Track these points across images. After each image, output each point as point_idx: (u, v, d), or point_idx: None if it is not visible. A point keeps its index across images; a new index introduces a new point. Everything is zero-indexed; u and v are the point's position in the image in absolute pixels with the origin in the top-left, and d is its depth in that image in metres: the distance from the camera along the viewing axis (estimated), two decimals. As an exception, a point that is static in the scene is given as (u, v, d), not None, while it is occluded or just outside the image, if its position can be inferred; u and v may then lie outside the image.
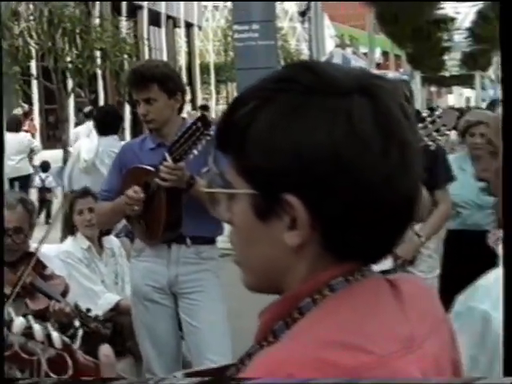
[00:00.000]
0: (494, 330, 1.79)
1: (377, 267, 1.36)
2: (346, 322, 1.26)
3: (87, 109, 14.47)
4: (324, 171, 1.24)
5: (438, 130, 4.39)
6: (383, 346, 1.25)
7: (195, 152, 4.08)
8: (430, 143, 4.24)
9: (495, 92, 41.83)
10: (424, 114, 5.33)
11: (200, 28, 44.53)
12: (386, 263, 4.84)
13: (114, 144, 8.13)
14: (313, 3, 17.47)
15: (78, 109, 22.07)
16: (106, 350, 1.46)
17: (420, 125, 4.32)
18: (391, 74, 14.30)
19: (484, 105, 22.61)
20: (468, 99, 45.09)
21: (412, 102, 5.55)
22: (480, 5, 29.20)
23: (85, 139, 9.16)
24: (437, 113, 4.46)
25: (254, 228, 1.29)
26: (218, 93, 48.06)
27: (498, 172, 2.10)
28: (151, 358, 4.60)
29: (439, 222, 4.86)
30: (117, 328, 5.05)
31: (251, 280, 1.37)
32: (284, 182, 1.24)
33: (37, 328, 1.58)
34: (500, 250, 2.02)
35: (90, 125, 10.12)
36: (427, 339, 1.35)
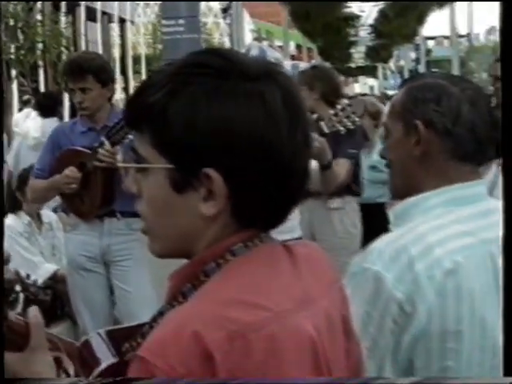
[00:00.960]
0: (385, 288, 1.80)
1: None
2: (244, 282, 1.27)
3: (26, 97, 14.41)
4: (241, 147, 1.25)
5: (348, 117, 4.41)
6: (279, 303, 1.27)
7: (130, 137, 4.08)
8: (341, 128, 4.26)
9: (395, 81, 42.20)
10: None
11: (133, 23, 44.01)
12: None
13: (54, 125, 8.16)
14: (234, 2, 17.42)
15: (20, 96, 21.81)
16: (33, 311, 1.45)
17: (331, 111, 4.34)
18: (303, 64, 14.34)
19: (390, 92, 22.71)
20: (371, 88, 45.46)
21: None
22: (381, 5, 29.44)
23: (31, 120, 9.20)
24: (346, 101, 4.49)
25: (169, 200, 1.28)
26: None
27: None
28: (86, 322, 4.60)
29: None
30: (56, 295, 5.05)
31: (161, 247, 1.36)
32: (204, 156, 1.24)
33: None
34: (391, 215, 2.04)
35: (28, 110, 10.16)
36: (320, 298, 1.38)
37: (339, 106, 4.09)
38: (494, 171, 4.37)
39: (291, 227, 4.71)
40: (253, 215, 1.31)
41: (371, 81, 41.25)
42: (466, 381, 1.60)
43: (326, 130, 4.04)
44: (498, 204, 2.08)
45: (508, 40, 1.54)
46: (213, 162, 1.25)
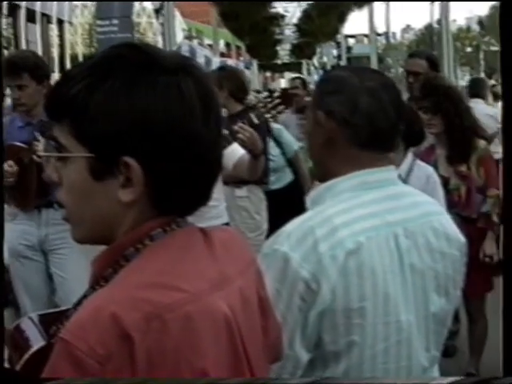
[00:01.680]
0: (292, 268, 1.83)
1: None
2: (161, 266, 1.27)
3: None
4: (159, 136, 1.25)
5: (274, 108, 4.44)
6: (195, 284, 1.28)
7: None
8: (271, 119, 4.30)
9: (318, 76, 42.35)
10: (263, 95, 5.41)
11: (71, 23, 43.56)
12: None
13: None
14: (166, 2, 17.32)
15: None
16: None
17: (260, 104, 4.39)
18: (230, 61, 14.33)
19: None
20: (297, 83, 45.69)
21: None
22: (304, 5, 29.57)
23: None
24: (275, 94, 4.56)
25: (88, 187, 1.28)
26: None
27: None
28: (27, 308, 4.56)
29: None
30: (0, 283, 5.00)
31: (82, 233, 1.36)
32: (123, 145, 1.24)
33: None
34: (308, 200, 2.07)
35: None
36: (236, 278, 1.39)
37: (268, 99, 4.12)
38: (409, 160, 4.42)
39: (219, 213, 4.71)
40: (171, 201, 1.31)
41: (296, 76, 41.46)
42: (465, 380, 1.62)
43: (257, 122, 4.07)
44: (406, 189, 2.13)
45: (508, 40, 1.52)
46: (131, 150, 1.25)
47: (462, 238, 2.16)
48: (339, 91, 1.98)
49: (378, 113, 1.97)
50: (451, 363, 5.52)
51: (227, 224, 4.72)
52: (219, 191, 4.73)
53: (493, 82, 32.30)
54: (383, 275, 1.90)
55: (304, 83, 8.72)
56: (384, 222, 1.94)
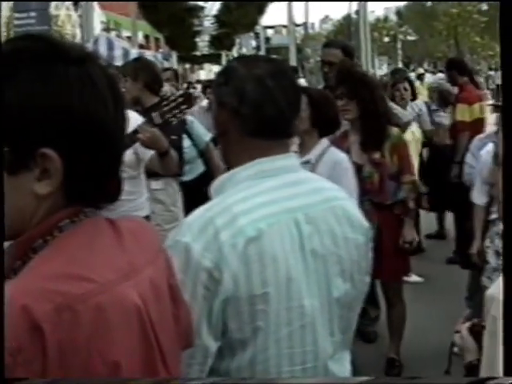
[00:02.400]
0: (194, 258, 1.84)
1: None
2: (70, 256, 1.26)
3: None
4: (77, 127, 1.24)
5: (177, 107, 4.41)
6: (104, 274, 1.27)
7: None
8: (173, 119, 4.28)
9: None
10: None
11: (-15, 16, 42.81)
12: None
13: None
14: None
15: None
16: None
17: (164, 103, 4.35)
18: (149, 52, 14.23)
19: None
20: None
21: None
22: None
23: None
24: (177, 93, 4.53)
25: (4, 182, 1.25)
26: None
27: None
28: None
29: None
30: None
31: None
32: (40, 137, 1.22)
33: None
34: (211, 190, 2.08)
35: None
36: (145, 267, 1.39)
37: (172, 97, 4.07)
38: (321, 146, 4.45)
39: (136, 206, 4.68)
40: (83, 192, 1.31)
41: (216, 67, 41.43)
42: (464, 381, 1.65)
43: (159, 121, 4.03)
44: (307, 175, 2.16)
45: (508, 39, 1.53)
46: (50, 141, 1.23)
47: (366, 224, 2.18)
48: (227, 81, 2.01)
49: (266, 101, 1.98)
50: (372, 349, 5.61)
51: (147, 217, 4.69)
52: (138, 184, 4.68)
53: (421, 70, 32.75)
54: (285, 261, 1.91)
55: (176, 75, 8.68)
56: (284, 209, 1.96)
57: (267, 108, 1.98)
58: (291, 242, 1.94)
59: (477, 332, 2.10)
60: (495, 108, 6.54)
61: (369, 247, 2.20)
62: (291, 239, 1.94)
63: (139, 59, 6.70)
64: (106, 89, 1.29)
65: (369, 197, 4.97)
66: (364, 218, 2.19)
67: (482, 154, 5.12)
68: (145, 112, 5.72)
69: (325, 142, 4.51)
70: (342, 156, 4.50)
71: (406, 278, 7.45)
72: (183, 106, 3.97)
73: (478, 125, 8.01)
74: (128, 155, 4.40)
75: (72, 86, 1.25)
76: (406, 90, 8.17)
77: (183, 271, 1.83)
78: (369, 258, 2.21)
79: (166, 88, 6.29)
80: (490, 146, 5.03)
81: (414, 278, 7.39)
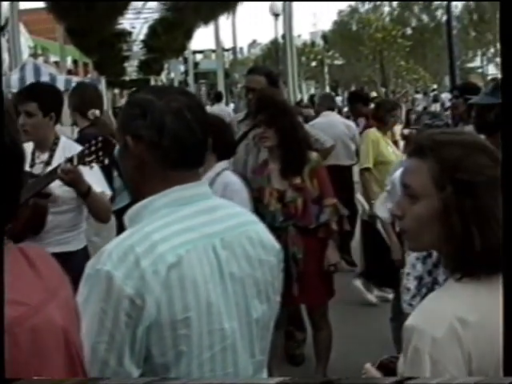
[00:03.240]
0: (116, 286, 1.86)
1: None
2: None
3: None
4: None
5: (96, 152, 4.38)
6: (32, 298, 1.33)
7: None
8: (92, 165, 4.23)
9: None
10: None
11: None
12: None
13: None
14: (10, 20, 16.95)
15: None
16: None
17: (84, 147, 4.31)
18: (76, 78, 14.12)
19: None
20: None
21: None
22: (151, 21, 29.47)
23: None
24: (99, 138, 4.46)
25: None
26: None
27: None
28: None
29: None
30: None
31: None
32: None
33: None
34: (126, 219, 2.11)
35: None
36: (59, 290, 1.46)
37: (93, 141, 4.04)
38: (216, 169, 4.50)
39: (77, 237, 4.61)
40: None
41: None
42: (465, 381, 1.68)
43: (75, 163, 4.02)
44: (219, 202, 2.22)
45: (508, 41, 1.55)
46: None
47: (277, 245, 2.26)
48: (144, 114, 2.03)
49: (185, 132, 2.03)
50: (299, 372, 5.66)
51: (84, 248, 4.63)
52: (75, 218, 4.61)
53: (374, 93, 33.03)
54: (205, 285, 1.96)
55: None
56: (201, 235, 2.01)
57: (186, 140, 2.03)
58: (210, 267, 1.99)
59: (385, 366, 2.10)
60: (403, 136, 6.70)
61: (280, 268, 2.27)
62: (210, 264, 2.00)
63: (76, 85, 6.77)
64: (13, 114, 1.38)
65: (293, 221, 5.04)
66: (275, 240, 2.27)
67: (395, 177, 5.09)
68: (80, 133, 5.79)
69: (220, 165, 4.57)
70: (233, 179, 4.58)
71: (369, 297, 7.61)
72: (101, 153, 3.95)
73: None
74: (63, 189, 4.35)
75: None
76: None
77: (104, 300, 1.86)
78: (280, 278, 2.27)
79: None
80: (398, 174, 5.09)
81: (370, 296, 7.53)
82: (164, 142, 2.01)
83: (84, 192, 4.22)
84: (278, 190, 5.00)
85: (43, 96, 4.51)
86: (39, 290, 1.37)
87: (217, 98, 19.70)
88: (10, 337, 1.23)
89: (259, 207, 4.95)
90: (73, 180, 4.08)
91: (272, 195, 5.02)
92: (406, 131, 6.64)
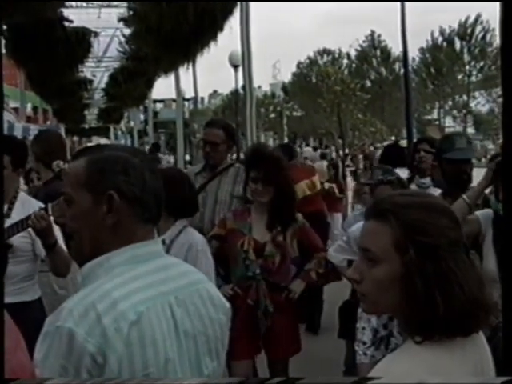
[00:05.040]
0: (78, 343, 1.86)
1: None
2: None
3: None
4: None
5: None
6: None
7: None
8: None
9: (125, 141, 42.49)
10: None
11: None
12: None
13: None
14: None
15: None
16: None
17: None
18: (34, 126, 14.05)
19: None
20: (105, 146, 45.45)
21: None
22: (111, 70, 29.59)
23: None
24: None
25: None
26: None
27: None
28: None
29: None
30: None
31: None
32: None
33: None
34: (79, 276, 2.09)
35: None
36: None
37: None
38: (176, 227, 4.42)
39: (30, 288, 4.55)
40: None
41: (104, 140, 41.31)
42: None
43: (50, 212, 3.99)
44: (172, 260, 2.23)
45: (508, 41, 1.53)
46: None
47: (226, 304, 2.30)
48: (126, 170, 2.04)
49: (157, 188, 2.10)
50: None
51: (39, 299, 4.58)
52: (31, 268, 4.53)
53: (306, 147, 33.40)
54: (163, 342, 1.99)
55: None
56: (159, 293, 2.03)
57: (160, 196, 2.09)
58: (167, 324, 2.02)
59: None
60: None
61: (228, 326, 2.30)
62: (167, 321, 2.02)
63: (39, 133, 6.70)
64: None
65: (264, 276, 5.02)
66: (224, 299, 2.30)
67: (352, 231, 5.11)
68: (44, 186, 5.65)
69: (181, 223, 4.48)
70: (197, 237, 4.47)
71: None
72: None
73: (309, 201, 8.31)
74: (21, 240, 4.32)
75: None
76: None
77: (65, 357, 1.85)
78: (228, 336, 2.30)
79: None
80: (360, 224, 5.09)
81: None
82: (144, 197, 2.05)
83: (51, 244, 4.19)
84: (256, 242, 4.98)
85: (17, 151, 4.50)
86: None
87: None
88: None
89: (229, 250, 4.95)
90: (44, 229, 4.05)
91: (250, 245, 4.99)
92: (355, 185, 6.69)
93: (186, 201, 4.45)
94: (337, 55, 66.02)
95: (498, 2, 1.64)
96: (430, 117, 63.94)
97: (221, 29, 14.99)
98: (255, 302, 5.00)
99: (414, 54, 58.62)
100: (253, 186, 5.00)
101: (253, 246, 5.00)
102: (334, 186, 12.66)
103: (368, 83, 61.50)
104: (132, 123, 46.26)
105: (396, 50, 57.55)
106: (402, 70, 20.27)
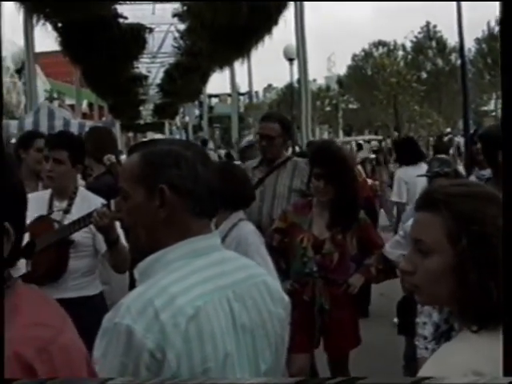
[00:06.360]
0: (136, 339, 1.86)
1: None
2: (29, 310, 1.52)
3: None
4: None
5: None
6: (56, 322, 1.55)
7: None
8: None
9: (180, 136, 42.70)
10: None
11: None
12: None
13: None
14: (26, 62, 17.03)
15: None
16: None
17: None
18: (89, 123, 14.20)
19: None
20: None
21: None
22: (167, 65, 29.75)
23: None
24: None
25: None
26: None
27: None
28: None
29: None
30: None
31: None
32: None
33: None
34: (136, 272, 2.10)
35: None
36: (66, 318, 1.65)
37: None
38: (231, 221, 4.41)
39: (93, 282, 4.60)
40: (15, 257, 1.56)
41: (158, 136, 41.65)
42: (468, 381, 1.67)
43: (113, 209, 4.02)
44: (230, 254, 2.21)
45: (508, 41, 1.54)
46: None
47: (286, 298, 2.28)
48: (178, 163, 2.04)
49: (212, 182, 2.08)
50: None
51: (101, 293, 4.63)
52: (94, 263, 4.60)
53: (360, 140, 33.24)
54: (221, 337, 1.98)
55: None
56: (216, 287, 2.03)
57: (214, 189, 2.08)
58: (225, 319, 2.01)
59: None
60: None
61: (288, 320, 2.28)
62: (225, 316, 2.01)
63: (90, 129, 6.75)
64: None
65: (323, 273, 5.01)
66: (283, 293, 2.29)
67: (408, 226, 5.13)
68: (96, 180, 5.71)
69: (237, 215, 4.48)
70: (247, 232, 4.43)
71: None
72: None
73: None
74: (82, 235, 4.38)
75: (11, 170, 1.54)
76: None
77: (124, 354, 1.86)
78: (288, 329, 2.29)
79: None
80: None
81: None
82: (197, 190, 2.04)
83: (113, 240, 4.21)
84: (315, 238, 4.97)
85: (74, 147, 4.55)
86: (56, 315, 1.58)
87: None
88: (45, 354, 1.45)
89: (289, 245, 4.95)
90: (106, 226, 4.07)
91: (309, 241, 4.98)
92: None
93: (239, 192, 4.44)
94: (392, 47, 65.40)
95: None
96: (486, 108, 63.01)
97: (275, 22, 14.96)
98: (311, 299, 4.99)
99: (470, 44, 57.75)
100: (315, 183, 4.98)
101: (312, 242, 4.99)
102: (376, 183, 12.55)
103: (424, 74, 60.80)
104: (187, 118, 46.47)
105: (452, 40, 56.74)
106: (459, 61, 20.02)
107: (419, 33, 64.01)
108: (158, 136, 40.89)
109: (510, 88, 1.57)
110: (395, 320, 7.68)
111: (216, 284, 2.04)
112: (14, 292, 1.53)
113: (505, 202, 1.64)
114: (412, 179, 8.11)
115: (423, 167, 6.81)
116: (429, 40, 63.57)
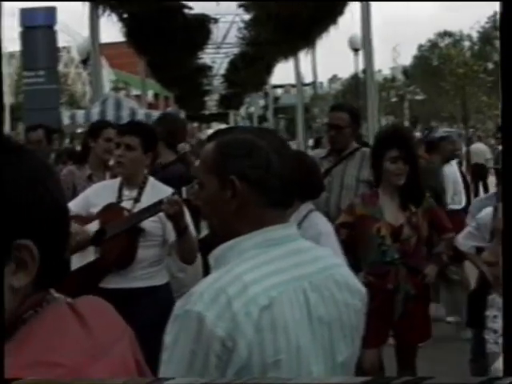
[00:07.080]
0: (207, 327, 1.85)
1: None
2: (38, 345, 1.28)
3: None
4: (48, 215, 1.30)
5: None
6: (72, 358, 1.30)
7: None
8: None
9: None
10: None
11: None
12: None
13: None
14: (92, 53, 17.22)
15: None
16: None
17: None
18: (156, 112, 14.31)
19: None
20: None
21: None
22: (232, 56, 29.77)
23: None
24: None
25: None
26: (12, 129, 46.79)
27: None
28: None
29: None
30: None
31: None
32: (17, 229, 1.24)
33: None
34: (211, 259, 2.09)
35: None
36: (114, 345, 1.42)
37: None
38: (302, 212, 4.38)
39: (160, 272, 4.65)
40: (49, 278, 1.34)
41: (223, 126, 41.83)
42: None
43: (184, 196, 4.03)
44: (306, 244, 2.19)
45: (508, 41, 1.53)
46: (25, 232, 1.25)
47: (362, 289, 2.25)
48: (250, 153, 2.03)
49: (286, 172, 2.05)
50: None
51: (167, 284, 4.63)
52: (161, 252, 4.60)
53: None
54: (295, 329, 1.95)
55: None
56: (292, 277, 2.01)
57: (288, 179, 2.06)
58: (300, 310, 1.99)
59: None
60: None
61: (364, 311, 2.25)
62: (299, 307, 1.99)
63: (161, 116, 6.76)
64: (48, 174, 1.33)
65: (404, 260, 5.01)
66: (360, 284, 2.26)
67: (481, 217, 5.14)
68: (163, 169, 5.68)
69: (307, 206, 4.46)
70: (319, 221, 4.41)
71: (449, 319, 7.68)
72: None
73: None
74: (152, 225, 4.39)
75: (38, 176, 1.29)
76: None
77: (194, 341, 1.85)
78: (363, 321, 2.25)
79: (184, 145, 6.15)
80: (489, 210, 5.07)
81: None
82: (270, 181, 2.03)
83: (182, 229, 4.22)
84: (392, 226, 4.97)
85: (146, 134, 4.57)
86: (82, 348, 1.34)
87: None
88: None
89: (360, 237, 4.94)
90: (177, 213, 4.08)
91: (387, 230, 4.98)
92: None
93: (310, 183, 4.42)
94: (458, 37, 64.52)
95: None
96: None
97: (341, 13, 14.86)
98: (395, 287, 4.99)
99: (540, 33, 56.53)
100: (391, 166, 4.97)
101: (390, 230, 4.99)
102: None
103: (490, 65, 59.80)
104: (252, 109, 46.50)
105: (522, 29, 55.60)
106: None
107: (486, 23, 63.02)
108: (223, 126, 41.12)
109: (510, 88, 1.53)
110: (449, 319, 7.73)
111: (291, 274, 2.02)
112: (39, 320, 1.32)
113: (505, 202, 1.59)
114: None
115: None
116: (496, 30, 62.48)
